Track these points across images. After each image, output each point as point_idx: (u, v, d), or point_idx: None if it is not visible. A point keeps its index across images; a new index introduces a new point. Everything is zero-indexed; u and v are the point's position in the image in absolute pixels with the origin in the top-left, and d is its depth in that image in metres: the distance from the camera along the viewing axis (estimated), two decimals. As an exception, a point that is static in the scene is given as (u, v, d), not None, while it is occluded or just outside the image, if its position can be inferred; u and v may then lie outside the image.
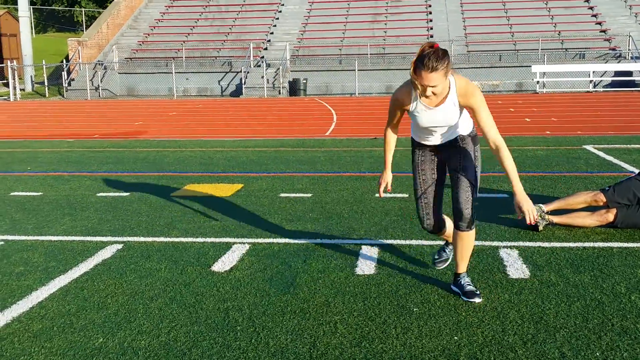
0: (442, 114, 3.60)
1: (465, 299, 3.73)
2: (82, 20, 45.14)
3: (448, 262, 4.22)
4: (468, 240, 3.75)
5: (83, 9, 45.34)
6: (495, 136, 3.51)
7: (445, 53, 3.39)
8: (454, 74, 3.58)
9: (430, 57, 3.34)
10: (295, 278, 4.17)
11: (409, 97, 3.63)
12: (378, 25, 29.48)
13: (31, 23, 35.70)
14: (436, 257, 4.22)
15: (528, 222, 3.40)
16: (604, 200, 5.19)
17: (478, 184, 3.74)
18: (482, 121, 3.55)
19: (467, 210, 3.66)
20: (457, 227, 3.74)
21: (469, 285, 3.80)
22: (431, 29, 28.76)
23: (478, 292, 3.75)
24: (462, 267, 3.84)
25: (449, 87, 3.55)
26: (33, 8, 41.24)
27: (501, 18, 28.78)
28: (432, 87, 3.41)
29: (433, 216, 3.88)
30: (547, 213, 5.27)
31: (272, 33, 29.79)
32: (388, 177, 4.00)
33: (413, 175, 3.93)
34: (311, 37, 29.14)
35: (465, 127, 3.75)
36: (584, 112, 15.91)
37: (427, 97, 3.48)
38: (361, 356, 3.07)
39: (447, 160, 3.81)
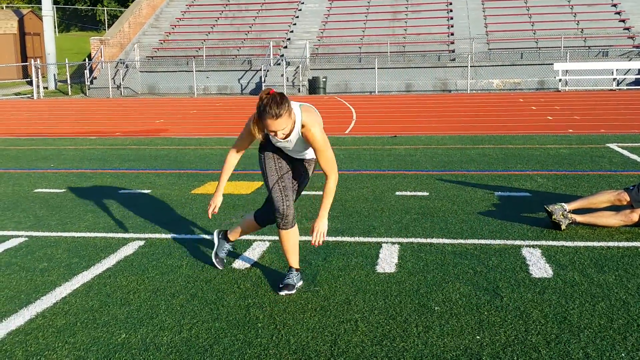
0: (290, 143, 3.83)
1: (214, 259, 4.32)
2: (104, 19, 45.55)
3: (292, 291, 3.89)
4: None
5: (105, 8, 45.72)
6: (329, 169, 3.80)
7: (282, 97, 3.58)
8: (302, 109, 3.75)
9: (271, 105, 3.53)
10: (315, 276, 4.16)
11: (260, 130, 3.77)
12: (398, 23, 29.37)
13: (54, 22, 36.07)
14: (279, 284, 3.97)
15: (312, 242, 3.71)
16: (628, 199, 5.12)
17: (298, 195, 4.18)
18: (320, 160, 3.79)
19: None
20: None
21: (223, 252, 4.35)
22: (452, 26, 28.59)
23: (222, 264, 4.32)
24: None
25: (294, 122, 3.71)
26: (56, 7, 41.69)
27: (523, 15, 28.53)
28: (281, 130, 3.59)
29: (290, 201, 3.93)
30: (570, 212, 5.21)
31: (292, 31, 29.81)
32: (218, 200, 4.07)
33: (265, 163, 3.98)
34: (331, 36, 29.12)
35: (312, 154, 4.01)
36: (607, 110, 15.72)
37: (278, 137, 3.67)
38: (382, 354, 3.05)
39: (293, 168, 4.04)
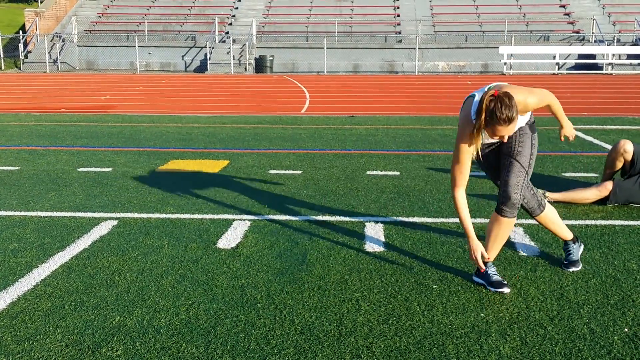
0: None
1: (492, 289, 3.48)
2: (37, -9, 43.63)
3: (579, 267, 3.82)
4: (506, 228, 3.55)
5: (38, -21, 43.78)
6: (550, 100, 3.78)
7: (510, 97, 3.23)
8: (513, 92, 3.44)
9: (502, 109, 3.20)
10: (305, 255, 4.08)
11: (482, 136, 3.49)
12: (345, 2, 29.28)
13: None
14: (564, 262, 3.88)
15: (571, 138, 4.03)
16: (610, 188, 5.20)
17: (530, 172, 3.60)
18: (547, 105, 3.77)
19: (515, 196, 3.50)
20: (499, 211, 3.55)
21: (495, 275, 3.55)
22: (398, 8, 28.71)
23: (505, 282, 3.51)
24: (491, 256, 3.62)
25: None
26: (-15, -24, 39.71)
27: (467, -1, 28.91)
28: (512, 132, 3.35)
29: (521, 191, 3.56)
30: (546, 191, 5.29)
31: (236, 8, 29.31)
32: (479, 245, 3.52)
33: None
34: (277, 14, 28.77)
35: (523, 119, 3.61)
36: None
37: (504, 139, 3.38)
38: (391, 333, 3.01)
39: (502, 145, 3.67)
